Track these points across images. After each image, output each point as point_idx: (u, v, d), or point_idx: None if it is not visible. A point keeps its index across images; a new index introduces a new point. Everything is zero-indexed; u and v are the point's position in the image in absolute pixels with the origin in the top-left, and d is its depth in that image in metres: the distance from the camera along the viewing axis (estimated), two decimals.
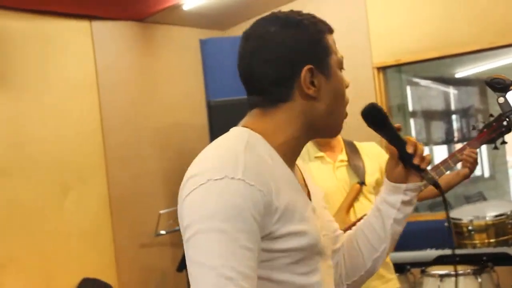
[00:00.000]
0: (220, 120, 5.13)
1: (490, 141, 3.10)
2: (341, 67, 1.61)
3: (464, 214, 4.62)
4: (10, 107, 4.78)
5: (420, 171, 1.67)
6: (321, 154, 3.35)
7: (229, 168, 1.40)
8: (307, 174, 1.73)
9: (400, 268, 4.23)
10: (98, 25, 5.42)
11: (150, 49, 5.87)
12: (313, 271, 1.54)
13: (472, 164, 3.19)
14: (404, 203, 1.74)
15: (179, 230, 1.48)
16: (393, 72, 6.24)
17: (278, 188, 1.45)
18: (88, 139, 5.29)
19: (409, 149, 1.66)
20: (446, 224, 4.61)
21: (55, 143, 5.02)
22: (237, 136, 1.52)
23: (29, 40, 4.94)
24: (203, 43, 5.93)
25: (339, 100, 1.60)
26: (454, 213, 4.76)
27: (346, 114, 1.65)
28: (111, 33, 5.55)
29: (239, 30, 6.23)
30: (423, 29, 5.53)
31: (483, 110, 8.31)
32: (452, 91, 8.91)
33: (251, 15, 5.92)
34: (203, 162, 1.47)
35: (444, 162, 3.16)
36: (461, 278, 4.13)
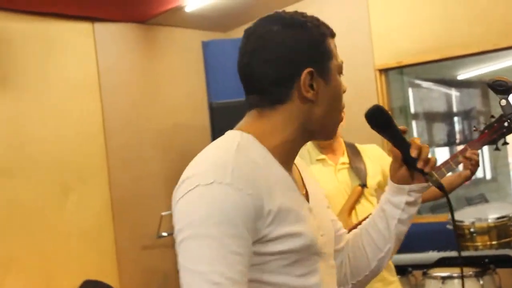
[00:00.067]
0: (222, 121, 5.13)
1: (491, 142, 3.10)
2: (340, 72, 1.60)
3: (466, 216, 4.62)
4: (12, 107, 4.78)
5: (424, 174, 1.66)
6: (322, 156, 3.36)
7: (218, 173, 1.40)
8: (306, 174, 1.72)
9: (402, 270, 4.23)
10: (100, 27, 5.43)
11: (152, 51, 5.88)
12: (311, 272, 1.53)
13: (474, 166, 3.18)
14: (409, 203, 1.73)
15: None
16: (395, 74, 6.24)
17: (271, 190, 1.45)
18: (89, 140, 5.29)
19: (413, 153, 1.64)
20: (448, 226, 4.61)
21: (56, 144, 5.02)
22: (229, 139, 1.52)
23: (31, 41, 4.95)
24: (205, 45, 5.94)
25: (336, 105, 1.60)
26: (456, 215, 4.74)
27: (342, 118, 1.66)
28: (113, 35, 5.56)
29: (241, 32, 6.17)
30: (425, 30, 5.52)
31: (485, 112, 8.30)
32: (454, 93, 8.90)
33: (253, 17, 5.91)
34: (195, 167, 1.47)
35: (445, 163, 3.16)
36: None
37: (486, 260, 4.20)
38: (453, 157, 3.17)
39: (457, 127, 8.83)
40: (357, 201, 3.32)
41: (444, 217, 5.16)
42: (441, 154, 8.27)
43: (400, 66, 5.82)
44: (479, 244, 4.47)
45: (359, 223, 3.24)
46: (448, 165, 3.15)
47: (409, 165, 1.67)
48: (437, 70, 7.46)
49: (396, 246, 1.79)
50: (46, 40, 5.05)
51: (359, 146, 3.46)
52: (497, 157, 8.45)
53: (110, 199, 5.38)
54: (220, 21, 6.19)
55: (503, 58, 6.77)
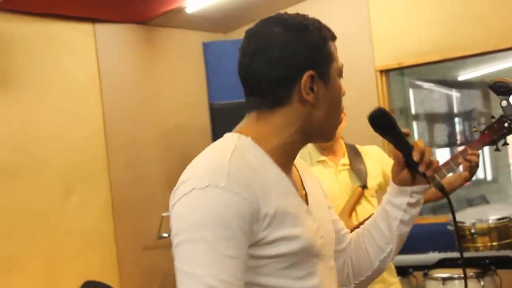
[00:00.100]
0: (222, 122, 5.13)
1: (492, 142, 3.10)
2: (340, 75, 1.60)
3: (467, 217, 4.62)
4: (14, 109, 4.79)
5: (426, 177, 1.65)
6: (323, 158, 3.36)
7: (213, 176, 1.40)
8: (307, 175, 1.72)
9: (403, 271, 4.23)
10: (101, 28, 5.43)
11: (153, 52, 5.88)
12: (310, 274, 1.53)
13: (473, 167, 3.17)
14: (410, 204, 1.73)
15: None
16: (396, 75, 6.24)
17: (267, 193, 1.44)
18: (91, 141, 5.30)
19: (415, 156, 1.63)
20: (449, 227, 4.61)
21: (57, 144, 5.03)
22: (227, 142, 1.52)
23: (33, 42, 4.96)
24: (206, 46, 5.94)
25: (335, 108, 1.59)
26: (456, 216, 4.73)
27: (341, 121, 1.66)
28: (114, 36, 5.56)
29: (241, 33, 6.18)
30: (425, 32, 5.53)
31: (486, 113, 8.30)
32: (454, 94, 8.90)
33: (254, 18, 5.92)
34: (191, 170, 1.48)
35: (445, 164, 3.16)
36: (463, 281, 4.12)
37: (487, 261, 4.20)
38: (454, 158, 3.16)
39: (458, 128, 8.84)
40: (357, 202, 3.32)
41: (444, 218, 5.16)
42: (442, 155, 8.27)
43: (401, 67, 5.82)
44: (479, 245, 4.46)
45: (360, 224, 3.25)
46: (449, 166, 3.15)
47: (411, 167, 1.67)
48: (438, 71, 7.47)
49: (398, 247, 1.79)
50: (47, 41, 5.05)
51: (360, 147, 3.46)
52: (497, 158, 8.45)
53: (111, 200, 5.38)
54: (220, 22, 6.19)
55: (504, 59, 6.77)
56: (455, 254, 4.32)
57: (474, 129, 3.18)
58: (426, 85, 8.20)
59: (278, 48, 1.51)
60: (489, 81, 2.84)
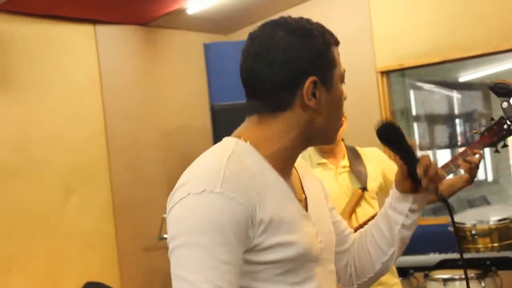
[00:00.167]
0: (223, 124, 5.14)
1: (491, 144, 3.10)
2: (342, 80, 1.59)
3: (468, 218, 4.62)
4: (15, 110, 4.80)
5: (428, 190, 1.66)
6: (323, 160, 3.36)
7: (209, 181, 1.40)
8: (307, 177, 1.71)
9: (404, 272, 4.23)
10: (102, 29, 5.44)
11: (154, 53, 5.89)
12: (307, 280, 1.52)
13: (473, 168, 3.17)
14: (412, 210, 1.74)
15: None
16: (397, 76, 6.24)
17: (264, 199, 1.44)
18: (92, 142, 5.30)
19: (419, 172, 1.63)
20: (449, 228, 4.61)
21: (58, 145, 5.03)
22: (225, 147, 1.51)
23: (34, 43, 4.96)
24: (207, 47, 5.95)
25: (336, 113, 1.59)
26: (457, 217, 4.75)
27: (341, 124, 1.66)
28: (115, 37, 5.57)
29: (242, 35, 6.25)
30: (426, 33, 5.53)
31: (486, 114, 8.30)
32: (455, 95, 8.90)
33: (255, 19, 5.94)
34: (188, 174, 1.48)
35: (445, 166, 3.16)
36: (464, 283, 4.13)
37: (488, 262, 4.20)
38: (454, 159, 3.17)
39: (459, 129, 8.83)
40: (357, 204, 3.32)
41: (445, 219, 5.16)
42: (442, 156, 8.27)
43: (402, 69, 5.83)
44: (480, 246, 4.46)
45: (361, 226, 3.25)
46: (448, 167, 3.15)
47: (415, 178, 1.67)
48: (439, 72, 7.47)
49: (401, 250, 1.80)
50: (48, 42, 5.06)
51: (360, 149, 3.47)
52: (498, 159, 8.45)
53: (112, 201, 5.39)
54: (221, 23, 6.20)
55: (505, 61, 6.77)
56: (455, 255, 4.32)
57: (474, 131, 3.19)
58: (427, 86, 8.20)
59: (282, 51, 1.50)
60: (489, 83, 2.84)
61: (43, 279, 4.85)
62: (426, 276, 4.30)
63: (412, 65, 5.69)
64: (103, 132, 5.38)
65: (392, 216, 1.75)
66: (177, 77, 6.02)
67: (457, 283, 4.13)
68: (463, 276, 4.06)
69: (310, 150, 3.39)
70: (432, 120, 8.40)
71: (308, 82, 1.50)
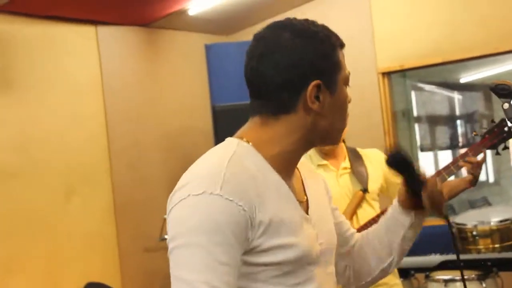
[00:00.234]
0: (225, 124, 5.14)
1: (492, 146, 3.10)
2: (346, 83, 1.59)
3: (469, 219, 4.62)
4: (16, 110, 4.80)
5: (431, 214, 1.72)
6: (324, 162, 3.36)
7: (210, 183, 1.41)
8: (310, 178, 1.71)
9: (404, 273, 4.23)
10: (103, 30, 5.44)
11: (155, 54, 5.89)
12: (306, 281, 1.52)
13: (476, 168, 3.16)
14: (413, 224, 1.77)
15: None
16: (398, 77, 6.24)
17: (263, 201, 1.44)
18: (93, 143, 5.30)
19: (424, 197, 1.68)
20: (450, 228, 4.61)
21: (60, 146, 5.04)
22: (226, 148, 1.51)
23: (35, 44, 4.97)
24: (208, 48, 5.95)
25: (340, 116, 1.59)
26: (458, 218, 4.76)
27: (345, 125, 1.66)
28: (116, 38, 5.57)
29: (244, 35, 6.25)
30: (427, 34, 5.53)
31: (487, 115, 8.30)
32: (456, 96, 8.90)
33: (256, 20, 5.94)
34: (189, 175, 1.48)
35: (446, 168, 3.16)
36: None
37: (489, 263, 4.20)
38: (454, 161, 3.17)
39: (460, 130, 8.83)
40: (358, 205, 3.32)
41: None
42: (444, 157, 8.27)
43: (403, 70, 5.83)
44: (481, 247, 4.46)
45: (362, 227, 3.25)
46: (449, 169, 3.15)
47: (419, 197, 1.71)
48: (440, 73, 7.47)
49: (401, 258, 1.82)
50: (49, 43, 5.07)
51: (361, 151, 3.46)
52: (500, 161, 8.44)
53: (113, 202, 5.39)
54: (223, 24, 6.20)
55: (506, 62, 6.77)
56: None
57: (474, 133, 3.18)
58: (428, 87, 8.20)
59: (286, 53, 1.50)
60: (490, 84, 2.84)
61: (43, 279, 4.85)
62: (427, 277, 4.29)
63: (413, 66, 5.70)
64: (104, 133, 5.38)
65: (394, 227, 1.77)
66: (178, 78, 6.02)
67: (458, 284, 4.12)
68: (465, 277, 4.08)
69: (311, 151, 3.38)
70: (433, 121, 8.40)
71: (311, 86, 1.50)
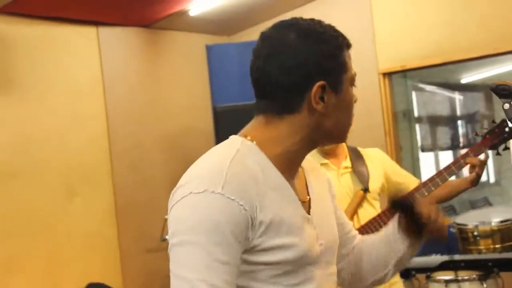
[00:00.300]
0: (226, 125, 5.15)
1: (493, 147, 3.11)
2: (352, 83, 1.59)
3: (470, 219, 4.62)
4: (17, 111, 4.81)
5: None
6: (325, 161, 3.36)
7: (211, 181, 1.41)
8: (314, 178, 1.70)
9: (405, 273, 4.23)
10: (104, 30, 5.45)
11: (156, 54, 5.90)
12: (305, 281, 1.53)
13: (479, 167, 3.16)
14: (413, 245, 1.78)
15: None
16: (399, 77, 6.25)
17: (265, 200, 1.45)
18: (94, 144, 5.31)
19: (426, 234, 1.73)
20: (451, 229, 4.61)
21: (61, 147, 5.04)
22: (230, 146, 1.52)
23: (36, 45, 4.97)
24: (209, 49, 5.96)
25: (345, 116, 1.59)
26: (459, 219, 4.76)
27: (351, 124, 1.66)
28: (117, 39, 5.57)
29: (245, 36, 6.26)
30: (428, 35, 5.53)
31: (488, 115, 8.31)
32: (457, 96, 8.91)
33: (257, 21, 5.95)
34: (191, 173, 1.48)
35: (447, 168, 3.17)
36: (466, 284, 4.13)
37: (490, 263, 4.20)
38: (455, 161, 3.17)
39: (461, 130, 8.84)
40: (359, 205, 3.32)
41: (448, 220, 5.16)
42: (445, 158, 8.28)
43: (404, 70, 5.83)
44: (482, 247, 4.47)
45: (362, 227, 3.25)
46: (450, 169, 3.16)
47: (419, 230, 1.76)
48: (441, 73, 7.48)
49: (396, 271, 1.84)
50: (50, 44, 5.07)
51: (362, 150, 3.47)
52: (500, 161, 8.45)
53: (114, 202, 5.39)
54: (224, 25, 6.20)
55: (507, 62, 6.78)
56: (458, 257, 4.32)
57: (475, 133, 3.19)
58: (429, 87, 8.21)
59: (292, 54, 1.50)
60: (491, 84, 2.84)
61: (44, 280, 4.85)
62: (428, 277, 4.29)
63: (414, 66, 5.69)
64: (105, 133, 5.38)
65: (392, 245, 1.79)
66: (179, 79, 6.02)
67: (459, 284, 4.12)
68: (465, 278, 4.09)
69: (312, 151, 3.38)
70: (434, 121, 8.41)
71: (316, 87, 1.50)
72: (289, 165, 1.57)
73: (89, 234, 5.16)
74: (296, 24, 1.54)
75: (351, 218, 3.26)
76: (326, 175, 1.82)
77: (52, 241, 4.91)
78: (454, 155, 8.43)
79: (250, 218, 1.41)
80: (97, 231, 5.25)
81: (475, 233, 4.48)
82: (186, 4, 5.42)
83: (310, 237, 1.54)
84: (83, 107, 5.26)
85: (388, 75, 5.80)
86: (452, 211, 6.81)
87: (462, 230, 4.56)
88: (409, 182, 3.44)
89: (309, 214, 1.59)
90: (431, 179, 3.19)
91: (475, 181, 3.23)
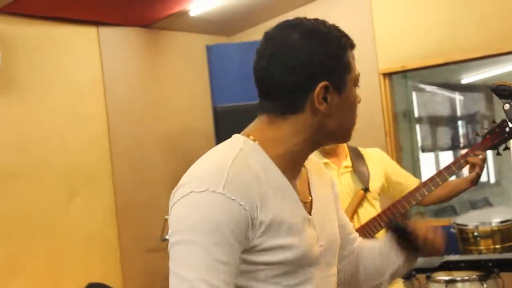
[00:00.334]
0: (226, 125, 5.15)
1: (493, 147, 3.11)
2: (356, 84, 1.59)
3: (470, 220, 4.62)
4: (17, 111, 4.81)
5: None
6: (325, 160, 3.36)
7: (212, 181, 1.41)
8: (317, 178, 1.70)
9: (406, 273, 4.23)
10: (105, 31, 5.45)
11: (157, 55, 5.90)
12: (304, 282, 1.53)
13: (480, 166, 3.17)
14: (408, 260, 1.80)
15: None
16: (399, 78, 6.24)
17: (266, 200, 1.45)
18: (94, 144, 5.31)
19: (422, 255, 1.77)
20: (452, 229, 4.61)
21: (61, 147, 5.04)
22: (232, 145, 1.52)
23: (36, 45, 4.97)
24: (209, 49, 5.96)
25: (349, 116, 1.59)
26: (459, 219, 4.76)
27: (354, 124, 1.65)
28: (118, 39, 5.58)
29: (245, 36, 6.26)
30: (429, 35, 5.53)
31: (489, 116, 8.30)
32: (458, 97, 8.90)
33: (257, 21, 5.95)
34: (192, 172, 1.48)
35: (447, 168, 3.17)
36: (466, 284, 4.13)
37: (490, 264, 4.20)
38: (456, 161, 3.18)
39: (461, 131, 8.83)
40: (359, 205, 3.32)
41: (447, 221, 5.16)
42: (445, 158, 8.27)
43: (404, 70, 5.83)
44: (482, 248, 4.47)
45: (362, 226, 3.26)
46: (451, 169, 3.16)
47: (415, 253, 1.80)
48: (441, 74, 7.47)
49: (392, 280, 1.85)
50: (51, 44, 5.07)
51: (362, 150, 3.47)
52: (501, 161, 8.44)
53: (115, 203, 5.39)
54: (224, 25, 6.21)
55: (507, 62, 6.77)
56: (458, 257, 4.32)
57: (475, 133, 3.19)
58: (429, 88, 8.20)
59: (295, 54, 1.50)
60: (491, 84, 2.84)
61: (44, 280, 4.85)
62: (428, 277, 4.29)
63: (415, 67, 5.70)
64: (105, 134, 5.39)
65: (389, 257, 1.80)
66: (179, 79, 6.02)
67: (459, 284, 4.12)
68: (466, 278, 4.09)
69: None
70: (434, 122, 8.40)
71: (319, 87, 1.49)
72: (292, 165, 1.57)
73: (89, 234, 5.16)
74: (299, 24, 1.54)
75: (351, 218, 3.26)
76: (330, 176, 1.81)
77: (52, 241, 4.91)
78: (455, 155, 8.42)
79: (250, 218, 1.41)
80: (97, 231, 5.25)
81: (475, 234, 4.48)
82: (187, 5, 5.43)
83: (310, 238, 1.54)
84: (83, 107, 5.26)
85: (389, 75, 5.80)
86: (453, 211, 6.81)
87: (462, 231, 4.56)
88: (409, 182, 3.44)
89: (310, 214, 1.58)
90: (431, 179, 3.19)
91: (475, 181, 3.23)
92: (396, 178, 3.47)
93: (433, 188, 3.19)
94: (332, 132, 1.57)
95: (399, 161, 5.50)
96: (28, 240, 4.77)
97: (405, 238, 1.76)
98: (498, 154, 3.12)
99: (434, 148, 8.21)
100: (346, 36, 1.57)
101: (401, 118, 6.31)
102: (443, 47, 5.46)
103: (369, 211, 3.31)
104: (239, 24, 6.22)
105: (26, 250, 4.75)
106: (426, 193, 3.19)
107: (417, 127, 7.62)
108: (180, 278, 1.38)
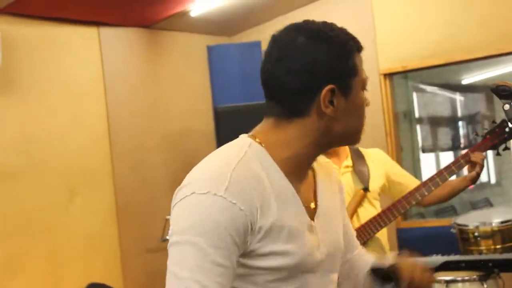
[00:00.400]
0: (227, 126, 5.15)
1: (493, 147, 3.11)
2: (364, 87, 1.58)
3: (470, 220, 4.61)
4: (18, 111, 4.81)
5: None
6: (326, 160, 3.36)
7: (215, 183, 1.41)
8: (325, 184, 1.69)
9: None
10: (105, 31, 5.45)
11: (158, 55, 5.90)
12: None
13: (480, 166, 3.17)
14: None
15: None
16: (400, 78, 6.24)
17: (267, 206, 1.44)
18: (95, 144, 5.31)
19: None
20: (452, 230, 4.61)
21: (62, 148, 5.04)
22: (237, 148, 1.51)
23: (37, 45, 4.98)
24: (210, 50, 5.96)
25: (356, 120, 1.58)
26: (460, 219, 4.75)
27: (362, 127, 1.64)
28: (118, 39, 5.58)
29: (246, 37, 6.26)
30: (429, 35, 5.53)
31: (489, 116, 8.30)
32: (458, 97, 8.90)
33: (258, 21, 5.95)
34: (196, 173, 1.48)
35: (447, 167, 3.18)
36: (466, 284, 4.13)
37: (490, 264, 4.19)
38: (456, 161, 3.18)
39: (462, 131, 8.82)
40: (359, 204, 3.33)
41: (448, 221, 5.16)
42: (445, 159, 8.27)
43: (405, 71, 5.83)
44: (483, 248, 4.46)
45: (362, 226, 3.26)
46: (450, 169, 3.17)
47: None
48: (442, 74, 7.46)
49: None
50: (51, 45, 5.08)
51: (363, 150, 3.47)
52: (501, 161, 8.45)
53: (115, 203, 5.40)
54: (225, 25, 6.21)
55: (508, 63, 6.76)
56: (458, 257, 4.32)
57: (475, 133, 3.20)
58: (430, 88, 8.19)
59: (300, 58, 1.49)
60: (491, 85, 2.85)
61: (44, 280, 4.86)
62: None
63: (415, 67, 5.69)
64: (106, 134, 5.39)
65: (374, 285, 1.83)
66: (180, 79, 6.03)
67: (460, 285, 4.12)
68: (466, 278, 4.09)
69: None
70: (435, 122, 8.40)
71: (325, 90, 1.49)
72: (297, 169, 1.56)
73: (89, 234, 5.16)
74: (306, 27, 1.54)
75: (351, 217, 3.27)
76: (338, 180, 1.80)
77: (53, 241, 4.92)
78: (455, 156, 8.41)
79: (250, 223, 1.41)
80: (98, 232, 5.25)
81: (476, 234, 4.47)
82: (187, 5, 5.43)
83: (311, 244, 1.54)
84: (84, 108, 5.26)
85: (389, 76, 5.80)
86: (453, 211, 6.81)
87: (462, 231, 4.55)
88: (409, 182, 3.45)
89: (313, 220, 1.58)
90: (431, 179, 3.20)
91: (474, 180, 3.24)
92: (396, 178, 3.48)
93: (433, 188, 3.20)
94: (339, 136, 1.56)
95: (400, 161, 5.50)
96: (28, 240, 4.77)
97: (389, 282, 1.76)
98: (498, 154, 3.13)
99: (434, 148, 8.21)
100: (353, 39, 1.55)
101: (401, 118, 6.30)
102: (443, 48, 5.46)
103: (369, 210, 3.32)
104: (239, 24, 6.22)
105: (26, 250, 4.75)
106: (426, 193, 3.20)
107: (418, 127, 7.62)
108: (175, 277, 1.39)
